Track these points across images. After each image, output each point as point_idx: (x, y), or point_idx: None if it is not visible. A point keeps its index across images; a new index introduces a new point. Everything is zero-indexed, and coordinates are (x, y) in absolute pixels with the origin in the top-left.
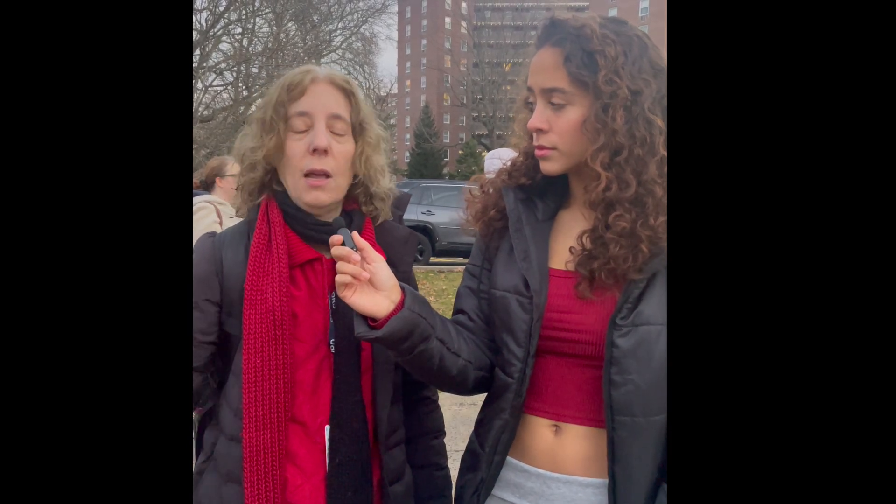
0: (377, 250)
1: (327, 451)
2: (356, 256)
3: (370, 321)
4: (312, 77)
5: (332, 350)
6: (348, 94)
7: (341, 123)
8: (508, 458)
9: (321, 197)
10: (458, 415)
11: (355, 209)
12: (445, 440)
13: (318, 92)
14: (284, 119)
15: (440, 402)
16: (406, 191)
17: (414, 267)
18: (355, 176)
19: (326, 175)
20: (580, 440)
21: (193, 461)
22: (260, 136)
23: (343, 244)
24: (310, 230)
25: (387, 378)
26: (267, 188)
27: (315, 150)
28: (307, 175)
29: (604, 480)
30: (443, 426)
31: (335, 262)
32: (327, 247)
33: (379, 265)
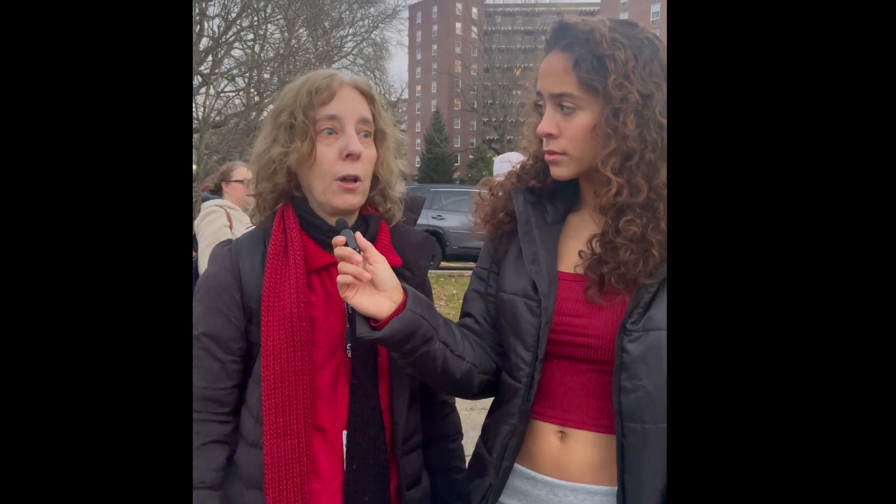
0: (393, 254)
1: (345, 457)
2: (358, 257)
3: (372, 322)
4: (339, 81)
5: (349, 355)
6: (370, 98)
7: (368, 127)
8: (515, 465)
9: (352, 200)
10: (469, 419)
11: (372, 214)
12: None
13: (345, 96)
14: (313, 122)
15: None
16: (413, 190)
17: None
18: (376, 180)
19: (356, 179)
20: (587, 447)
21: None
22: (290, 141)
23: (346, 245)
24: (326, 236)
25: (403, 383)
26: (285, 195)
27: (349, 155)
28: (339, 180)
29: (612, 488)
30: (460, 429)
31: None
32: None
33: (381, 266)
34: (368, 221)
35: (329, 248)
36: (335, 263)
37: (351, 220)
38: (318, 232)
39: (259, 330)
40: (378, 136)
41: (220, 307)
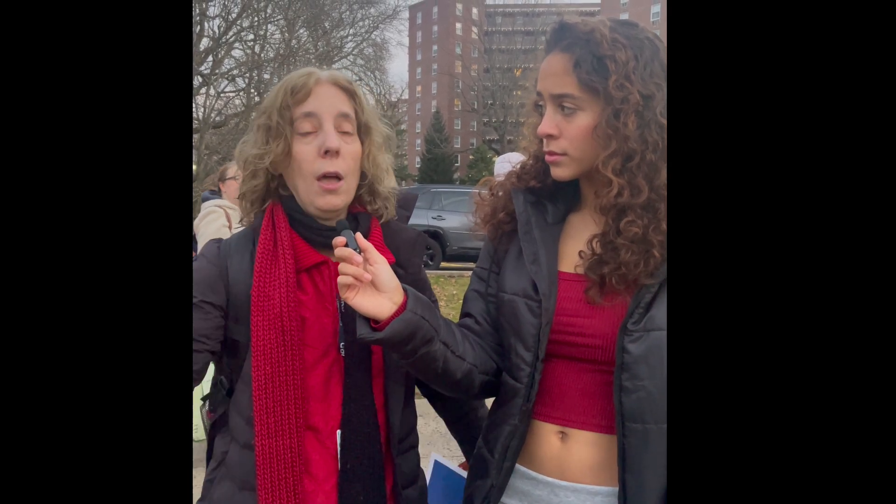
0: (385, 252)
1: (339, 457)
2: (358, 258)
3: (372, 323)
4: (316, 79)
5: (342, 354)
6: (351, 94)
7: (349, 123)
8: (517, 465)
9: (334, 201)
10: None
11: (361, 212)
12: (456, 446)
13: (322, 93)
14: (290, 122)
15: None
16: (412, 190)
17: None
18: (363, 176)
19: (338, 177)
20: (588, 447)
21: (204, 468)
22: (265, 142)
23: (347, 245)
24: (316, 234)
25: (398, 381)
26: (272, 194)
27: (327, 152)
28: (319, 179)
29: (613, 489)
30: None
31: None
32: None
33: (381, 267)
34: (359, 220)
35: (319, 246)
36: (326, 262)
37: (339, 220)
38: (308, 230)
39: (248, 330)
40: (363, 131)
41: (197, 303)
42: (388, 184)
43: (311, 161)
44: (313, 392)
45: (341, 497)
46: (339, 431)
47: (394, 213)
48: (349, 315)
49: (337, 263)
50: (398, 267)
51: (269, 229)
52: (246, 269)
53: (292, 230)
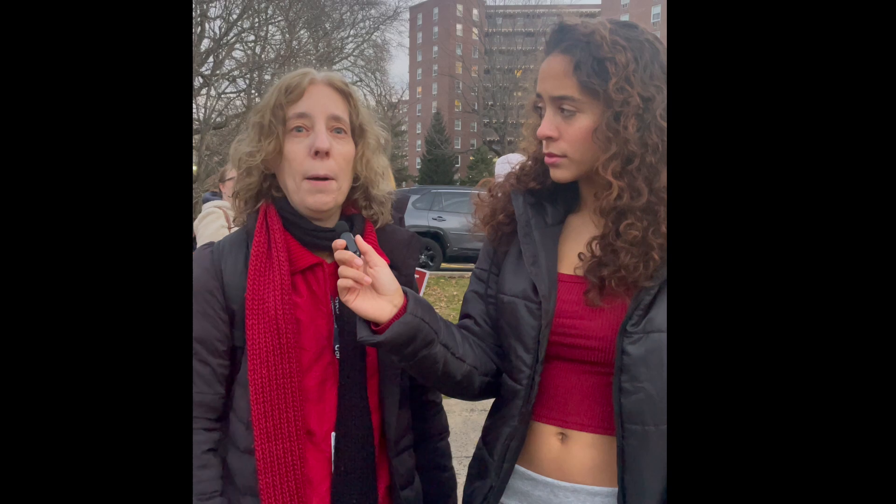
0: (380, 254)
1: (333, 459)
2: (358, 261)
3: (373, 326)
4: (311, 79)
5: (338, 356)
6: (346, 95)
7: (341, 124)
8: (516, 466)
9: (324, 199)
10: (469, 421)
11: (355, 213)
12: (457, 446)
13: (316, 93)
14: (283, 121)
15: (451, 407)
16: (406, 192)
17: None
18: (356, 179)
19: (328, 178)
20: (587, 448)
21: None
22: (258, 140)
23: (346, 248)
24: (310, 236)
25: (394, 382)
26: (265, 194)
27: (317, 153)
28: (309, 179)
29: (612, 489)
30: (447, 427)
31: (337, 267)
32: (328, 252)
33: (381, 269)
34: (353, 221)
35: (313, 247)
36: (320, 263)
37: (332, 221)
38: (302, 232)
39: (244, 333)
40: (357, 134)
41: (205, 311)
42: (384, 188)
43: (301, 161)
44: (308, 395)
45: (335, 500)
46: (333, 434)
47: (389, 217)
48: (343, 317)
49: (331, 265)
50: (392, 268)
51: (263, 231)
52: (240, 273)
53: (286, 232)
